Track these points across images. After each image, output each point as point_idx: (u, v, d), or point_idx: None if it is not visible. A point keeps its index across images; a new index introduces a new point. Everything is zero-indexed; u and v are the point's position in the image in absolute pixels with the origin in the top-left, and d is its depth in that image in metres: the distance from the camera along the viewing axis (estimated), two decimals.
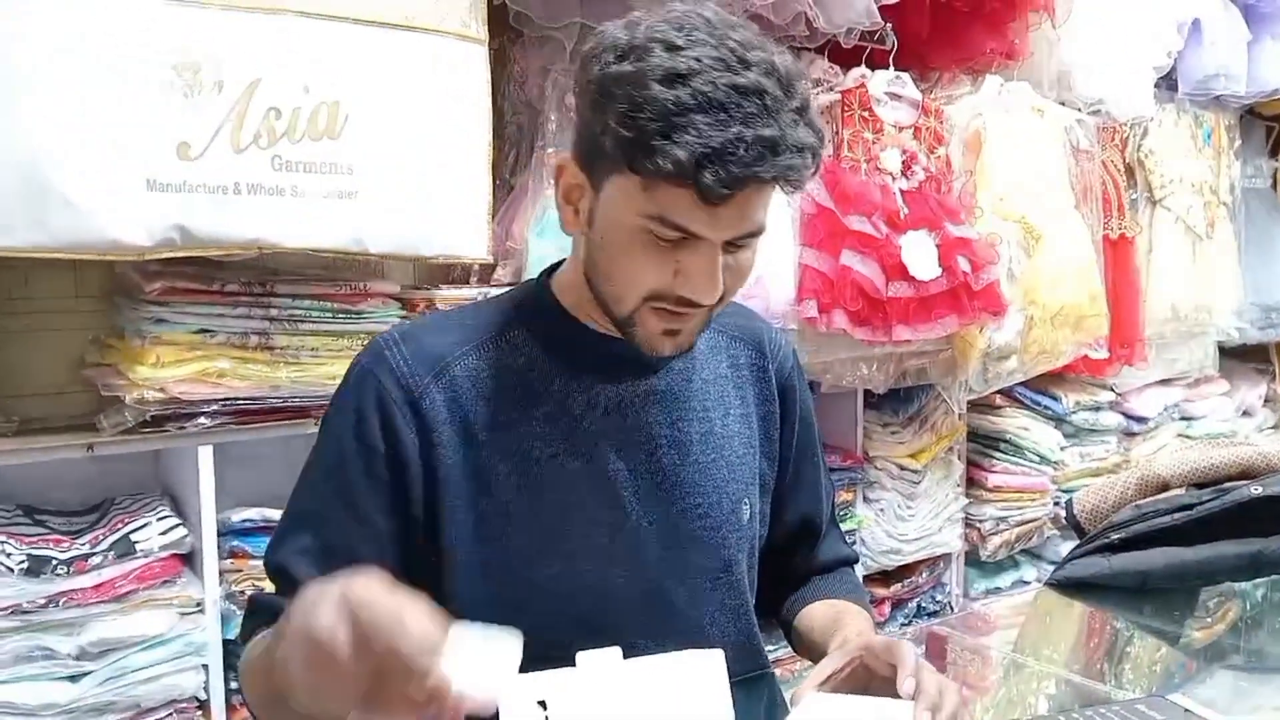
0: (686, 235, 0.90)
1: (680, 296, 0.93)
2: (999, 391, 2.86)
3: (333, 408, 1.03)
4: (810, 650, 1.14)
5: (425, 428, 0.99)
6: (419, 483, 0.99)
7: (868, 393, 2.60)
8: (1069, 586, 1.51)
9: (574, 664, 0.92)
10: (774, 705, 1.12)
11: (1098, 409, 3.12)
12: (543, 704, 0.88)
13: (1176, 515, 1.52)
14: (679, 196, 0.88)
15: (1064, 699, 1.16)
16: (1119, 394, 3.22)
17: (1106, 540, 1.55)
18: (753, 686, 1.13)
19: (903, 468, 2.74)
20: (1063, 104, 2.75)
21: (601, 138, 0.90)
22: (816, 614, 1.17)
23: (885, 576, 2.77)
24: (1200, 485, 1.62)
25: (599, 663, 0.91)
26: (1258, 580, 1.48)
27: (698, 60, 0.86)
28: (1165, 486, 1.66)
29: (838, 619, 1.12)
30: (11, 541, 1.58)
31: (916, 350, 2.44)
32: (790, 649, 1.24)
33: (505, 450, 1.01)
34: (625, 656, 0.91)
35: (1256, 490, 1.49)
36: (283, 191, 1.54)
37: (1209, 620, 1.41)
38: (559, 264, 1.09)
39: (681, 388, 1.09)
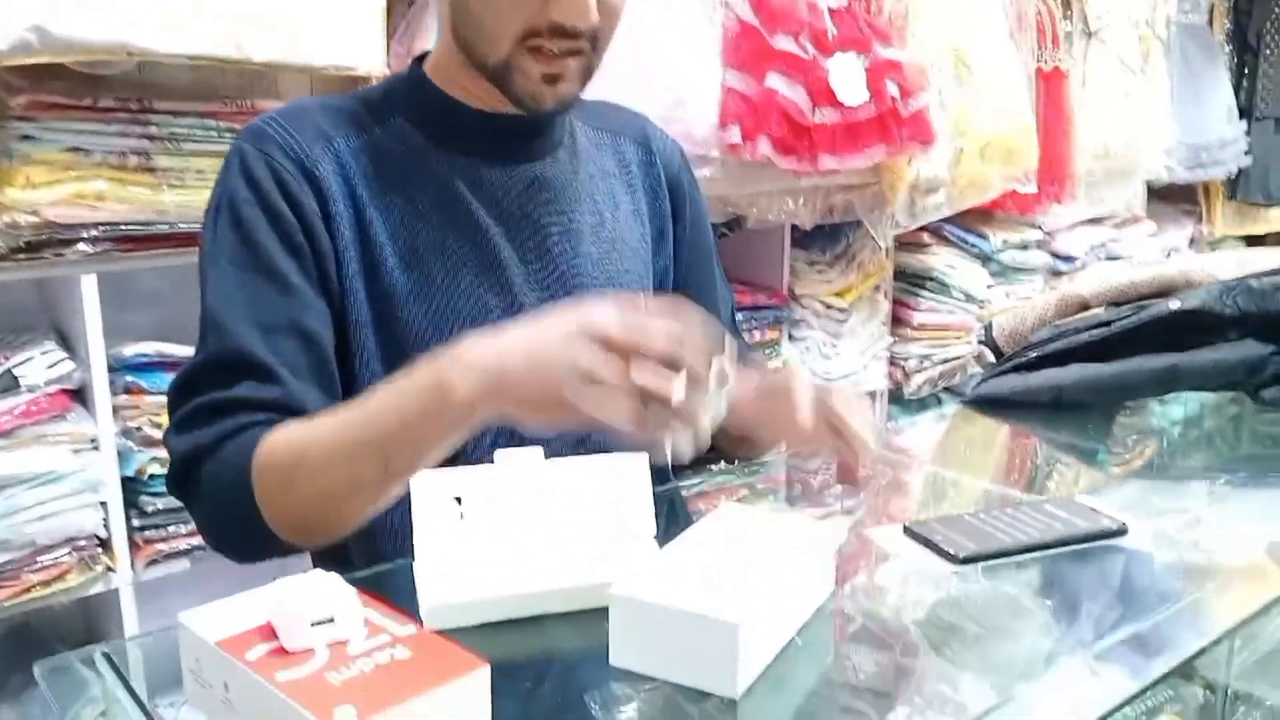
0: None
1: (554, 23, 0.88)
2: (926, 229, 2.83)
3: (221, 194, 0.95)
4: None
5: (322, 197, 0.93)
6: (327, 257, 0.93)
7: (795, 230, 2.55)
8: (985, 404, 1.50)
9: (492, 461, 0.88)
10: (683, 518, 1.10)
11: (1025, 247, 3.10)
12: (458, 499, 0.85)
13: (1094, 331, 1.51)
14: None
15: (974, 503, 1.15)
16: (1047, 233, 3.20)
17: (1024, 359, 1.54)
18: (667, 497, 1.10)
19: (829, 306, 2.72)
20: None
21: None
22: None
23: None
24: (1120, 304, 1.61)
25: (518, 461, 0.88)
26: (1173, 394, 1.49)
27: None
28: (1085, 306, 1.65)
29: None
30: None
31: (844, 183, 2.38)
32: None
33: (393, 233, 0.97)
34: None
35: (1174, 305, 1.48)
36: None
37: (1122, 432, 1.41)
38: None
39: (569, 178, 1.05)
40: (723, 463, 1.19)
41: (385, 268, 0.96)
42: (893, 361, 2.93)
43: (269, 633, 0.64)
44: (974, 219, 2.94)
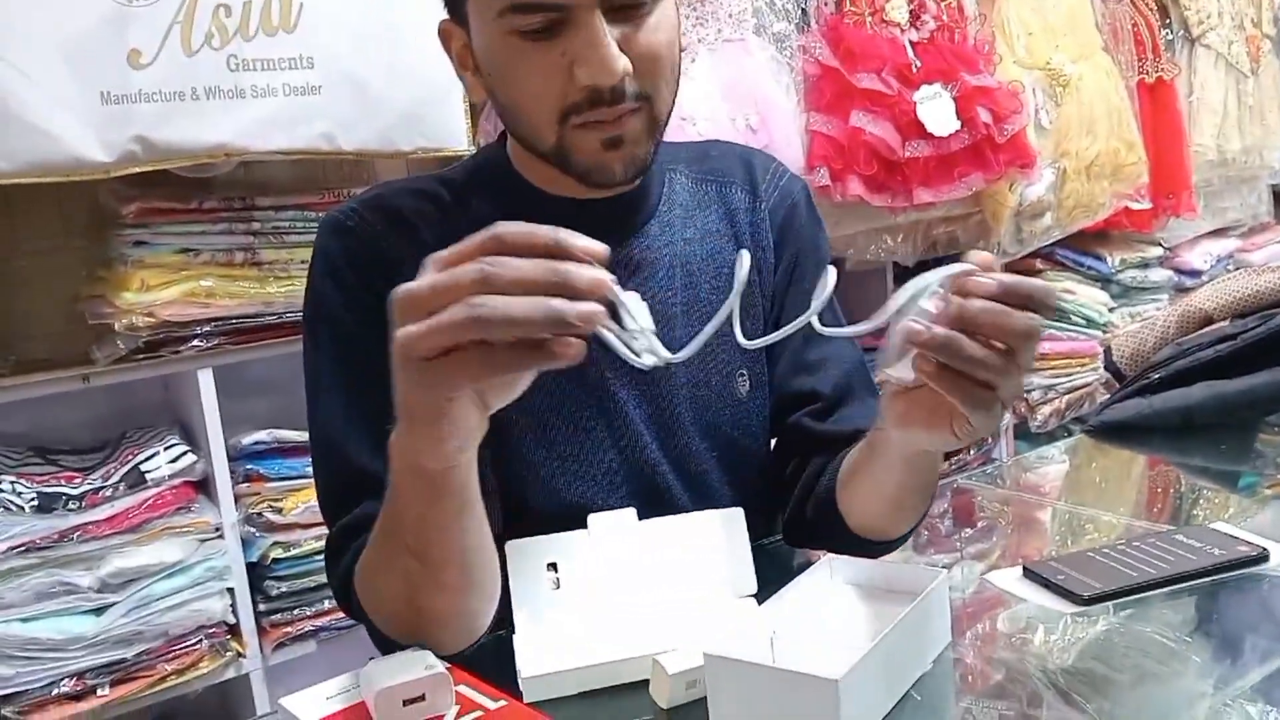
0: (547, 12, 0.80)
1: (586, 89, 0.82)
2: (1038, 255, 2.74)
3: (312, 301, 0.93)
4: (856, 478, 0.91)
5: (400, 276, 0.89)
6: None
7: (898, 267, 2.49)
8: (1111, 432, 1.43)
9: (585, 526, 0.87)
10: (789, 571, 1.06)
11: (1146, 265, 2.97)
12: (553, 566, 0.84)
13: (1219, 347, 1.43)
14: None
15: (1102, 538, 1.08)
16: (1168, 248, 3.06)
17: (1147, 380, 1.46)
18: (771, 550, 1.06)
19: None
20: None
21: None
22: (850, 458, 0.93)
23: (993, 475, 2.68)
24: (1244, 315, 1.52)
25: (611, 523, 0.86)
26: None
27: None
28: (1208, 320, 1.56)
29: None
30: (21, 481, 1.57)
31: (943, 215, 2.32)
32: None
33: None
34: None
35: None
36: (242, 92, 1.47)
37: (1258, 452, 1.31)
38: None
39: (660, 254, 0.98)
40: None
41: None
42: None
43: (364, 713, 0.64)
44: (1088, 240, 2.83)
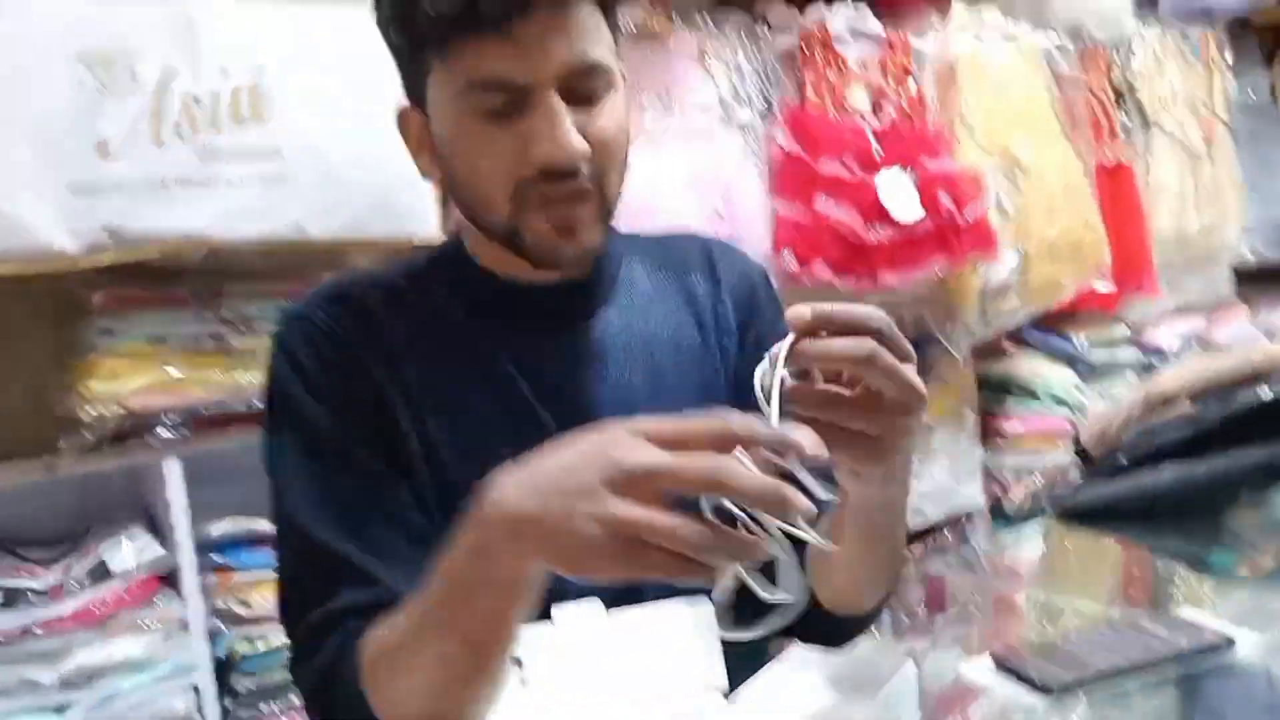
0: (508, 92, 0.83)
1: (542, 167, 0.83)
2: (1006, 336, 2.77)
3: (274, 393, 0.92)
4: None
5: (368, 379, 0.90)
6: (389, 433, 0.90)
7: None
8: (1077, 516, 1.43)
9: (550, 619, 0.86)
10: (761, 660, 1.04)
11: (1113, 345, 3.01)
12: (518, 661, 0.83)
13: (1183, 430, 1.44)
14: (476, 48, 0.82)
15: (1071, 623, 1.08)
16: (1134, 328, 3.11)
17: (1114, 463, 1.47)
18: (736, 645, 1.05)
19: None
20: (1041, 29, 2.66)
21: (401, 47, 0.87)
22: None
23: (908, 540, 2.68)
24: (1207, 397, 1.54)
25: (577, 616, 0.85)
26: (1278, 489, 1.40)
27: None
28: (1168, 401, 1.58)
29: None
30: None
31: (910, 298, 2.35)
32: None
33: (440, 409, 0.92)
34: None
35: (1267, 392, 1.41)
36: (211, 183, 1.49)
37: (1225, 536, 1.32)
38: None
39: (621, 337, 0.99)
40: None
41: (440, 446, 0.91)
42: (989, 475, 2.84)
43: None
44: (1055, 320, 2.87)
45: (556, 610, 0.86)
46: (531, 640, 0.85)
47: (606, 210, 0.89)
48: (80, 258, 1.43)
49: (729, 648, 0.89)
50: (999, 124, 2.44)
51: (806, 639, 0.98)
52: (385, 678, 0.79)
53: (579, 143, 0.83)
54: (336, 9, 1.55)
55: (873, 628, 1.00)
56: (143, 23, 1.44)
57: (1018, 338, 2.84)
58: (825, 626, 0.91)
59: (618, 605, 0.90)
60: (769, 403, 0.66)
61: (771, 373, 0.66)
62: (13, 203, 1.37)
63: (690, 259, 1.07)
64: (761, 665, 1.01)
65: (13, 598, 1.53)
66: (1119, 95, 2.94)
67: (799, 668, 0.83)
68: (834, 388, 0.69)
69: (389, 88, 0.90)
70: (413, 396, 0.92)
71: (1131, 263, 2.86)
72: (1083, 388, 2.93)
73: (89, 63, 1.39)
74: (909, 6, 2.46)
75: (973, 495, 2.74)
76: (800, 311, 0.68)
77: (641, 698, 0.84)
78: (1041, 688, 0.85)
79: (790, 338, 0.67)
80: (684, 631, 0.89)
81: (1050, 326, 2.86)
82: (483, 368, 0.94)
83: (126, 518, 1.72)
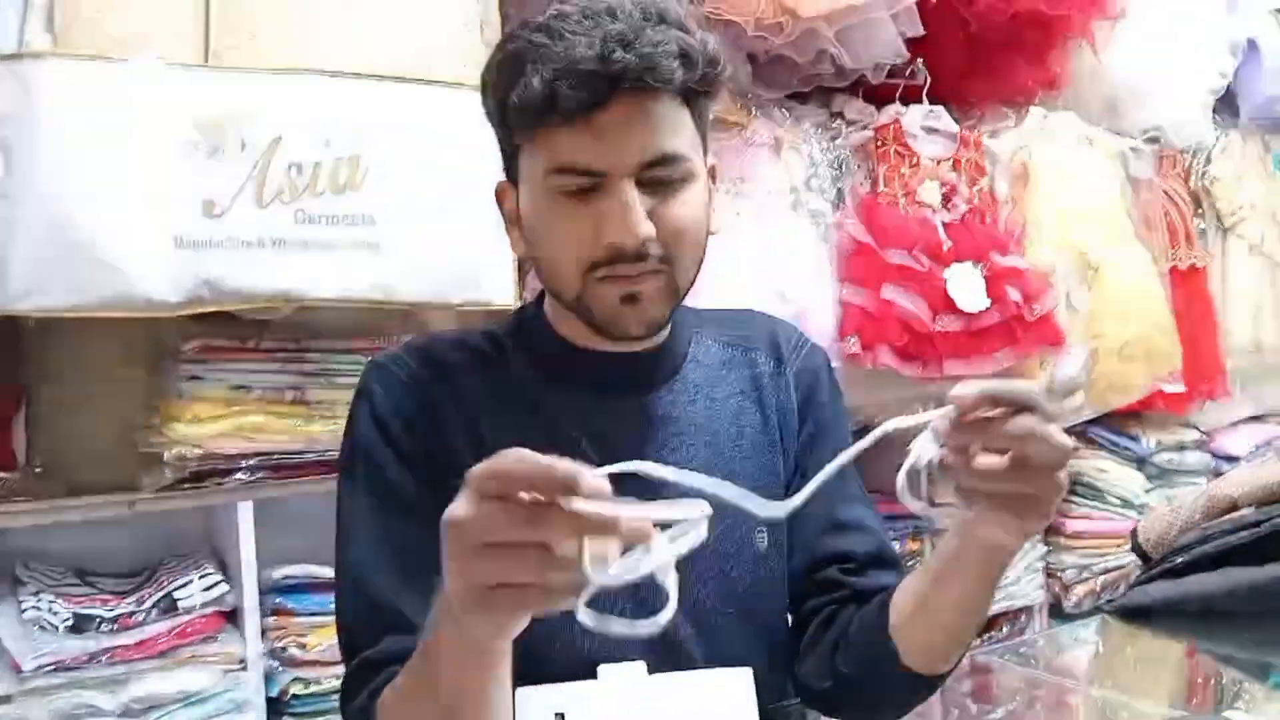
0: (586, 177, 0.89)
1: (610, 247, 0.89)
2: (1072, 432, 2.75)
3: (354, 439, 0.98)
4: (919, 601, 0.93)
5: (444, 435, 0.96)
6: (454, 471, 0.95)
7: None
8: (1131, 614, 1.42)
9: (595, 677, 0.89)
10: None
11: (1183, 448, 2.97)
12: (561, 716, 0.86)
13: (1242, 534, 1.43)
14: (559, 135, 0.88)
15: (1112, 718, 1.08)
16: (1205, 432, 3.06)
17: (1170, 564, 1.46)
18: (784, 711, 1.06)
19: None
20: (1118, 133, 2.69)
21: (500, 131, 0.94)
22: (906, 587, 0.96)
23: (1013, 648, 2.64)
24: (1270, 503, 1.52)
25: (621, 676, 0.88)
26: None
27: (556, 15, 0.88)
28: (1234, 506, 1.56)
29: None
30: (59, 601, 1.61)
31: None
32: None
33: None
34: None
35: None
36: (307, 245, 1.57)
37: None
38: None
39: (684, 409, 1.03)
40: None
41: None
42: (1050, 573, 2.80)
43: None
44: (1124, 421, 2.84)
45: (602, 669, 0.90)
46: (575, 694, 0.88)
47: (675, 289, 0.94)
48: (178, 307, 1.52)
49: (762, 713, 0.91)
50: (1072, 223, 2.46)
51: (867, 703, 1.01)
52: None
53: (647, 229, 0.89)
54: (433, 90, 1.65)
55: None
56: (254, 94, 1.54)
57: (1084, 435, 2.82)
58: (897, 686, 0.96)
59: (661, 670, 0.94)
60: (921, 477, 0.73)
61: (931, 445, 0.74)
62: (121, 255, 1.47)
63: (756, 337, 1.11)
64: None
65: (82, 624, 1.59)
66: (1196, 200, 2.95)
67: None
68: (991, 458, 0.74)
69: (476, 167, 0.97)
70: (483, 453, 0.97)
71: (1203, 366, 2.84)
72: (1151, 489, 2.89)
73: (202, 128, 1.50)
74: (986, 108, 2.51)
75: (1033, 590, 2.70)
76: (966, 391, 0.74)
77: None
78: None
79: (951, 412, 0.73)
80: (722, 698, 0.91)
81: (1119, 426, 2.84)
82: (551, 430, 0.98)
83: (197, 555, 1.79)
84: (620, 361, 1.00)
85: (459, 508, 0.62)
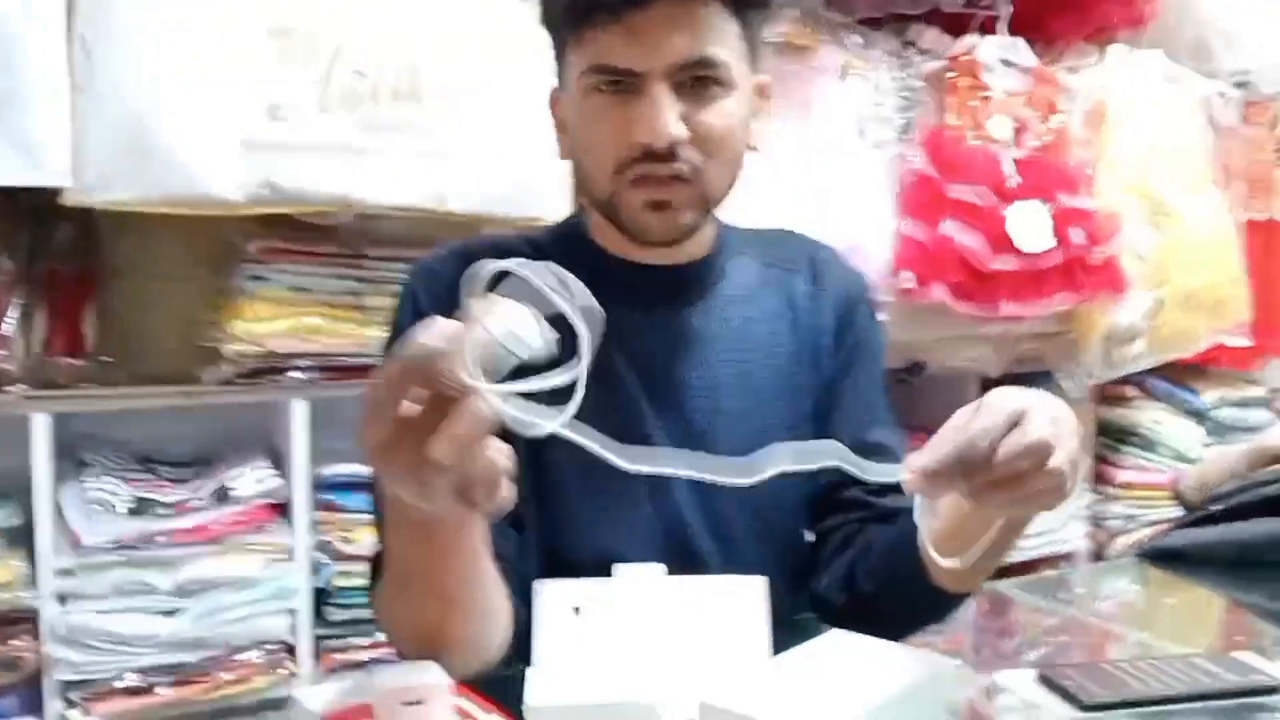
0: (624, 77, 0.90)
1: (641, 147, 0.91)
2: (1130, 382, 2.71)
3: (389, 332, 1.03)
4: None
5: None
6: None
7: (984, 380, 2.50)
8: (1164, 557, 1.42)
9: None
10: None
11: (1245, 405, 2.89)
12: (577, 610, 0.89)
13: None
14: (599, 35, 0.89)
15: (1123, 654, 1.08)
16: (1271, 390, 2.99)
17: (1207, 512, 1.45)
18: (796, 624, 1.09)
19: None
20: (1205, 76, 2.59)
21: (550, 34, 0.96)
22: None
23: (1002, 574, 2.64)
24: None
25: (637, 575, 0.91)
26: None
27: None
28: (1277, 459, 1.55)
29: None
30: (122, 484, 1.70)
31: (1032, 331, 2.33)
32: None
33: None
34: None
35: None
36: (367, 151, 1.61)
37: None
38: None
39: (718, 326, 1.05)
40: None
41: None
42: (1095, 522, 2.78)
43: (368, 710, 0.70)
44: (1184, 373, 2.79)
45: (618, 568, 0.92)
46: (593, 591, 0.91)
47: (704, 196, 0.96)
48: (241, 206, 1.56)
49: (785, 629, 0.94)
50: (1147, 166, 2.40)
51: (886, 618, 1.01)
52: (384, 616, 0.89)
53: (677, 130, 0.90)
54: (495, 3, 1.66)
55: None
56: (322, 3, 1.57)
57: (1142, 385, 2.77)
58: (924, 603, 1.00)
59: (676, 569, 0.97)
60: None
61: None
62: (189, 153, 1.51)
63: (796, 260, 1.12)
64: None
65: (144, 507, 1.67)
66: None
67: (840, 646, 0.87)
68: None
69: (534, 82, 0.99)
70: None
71: (1274, 322, 2.76)
72: (1209, 444, 2.83)
73: (272, 34, 1.53)
74: (1068, 43, 2.44)
75: (1076, 537, 2.68)
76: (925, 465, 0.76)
77: (688, 655, 0.89)
78: (1077, 702, 0.86)
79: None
80: (734, 602, 0.93)
81: (1178, 378, 2.78)
82: None
83: (253, 449, 1.86)
84: (657, 275, 1.02)
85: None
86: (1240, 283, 2.53)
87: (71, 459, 1.76)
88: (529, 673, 0.86)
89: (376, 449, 0.63)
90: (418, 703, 0.68)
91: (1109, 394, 2.73)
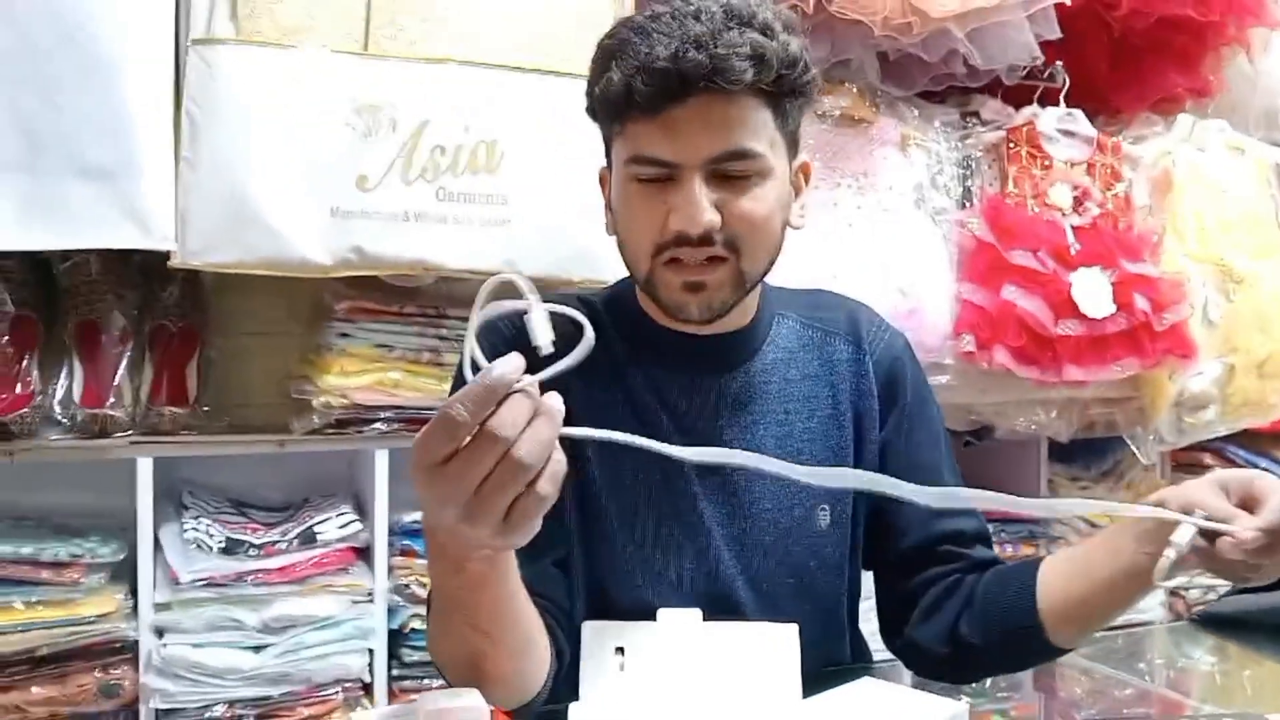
0: (660, 167, 0.97)
1: (675, 233, 0.97)
2: (1206, 449, 2.68)
3: (452, 384, 1.12)
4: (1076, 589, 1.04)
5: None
6: None
7: (1054, 444, 2.50)
8: (1214, 623, 1.43)
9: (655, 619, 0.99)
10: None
11: None
12: (620, 650, 0.95)
13: None
14: (639, 127, 0.96)
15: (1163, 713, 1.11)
16: None
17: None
18: (827, 675, 1.14)
19: (1093, 525, 2.60)
20: (1276, 144, 2.59)
21: (597, 121, 1.03)
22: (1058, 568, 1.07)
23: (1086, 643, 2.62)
24: None
25: (678, 620, 0.96)
26: None
27: (650, 15, 0.95)
28: None
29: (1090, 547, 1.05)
30: (216, 525, 1.82)
31: (1102, 396, 2.34)
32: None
33: (590, 425, 1.08)
34: None
35: None
36: (445, 219, 1.73)
37: None
38: None
39: (758, 389, 1.11)
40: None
41: (588, 463, 1.06)
42: (1173, 591, 2.73)
43: None
44: (1263, 441, 2.74)
45: (662, 613, 0.99)
46: (635, 633, 0.98)
47: (743, 278, 1.02)
48: (329, 269, 1.69)
49: (806, 671, 0.99)
50: (1215, 233, 2.40)
51: (987, 667, 1.13)
52: (433, 651, 0.96)
53: (710, 218, 0.96)
54: (565, 81, 1.78)
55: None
56: (406, 81, 1.71)
57: (1220, 453, 2.73)
58: (1036, 656, 1.10)
59: (715, 619, 1.03)
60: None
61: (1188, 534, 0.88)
62: (282, 220, 1.66)
63: (836, 320, 1.17)
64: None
65: (233, 547, 1.79)
66: None
67: (867, 693, 0.92)
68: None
69: (598, 153, 1.08)
70: (569, 412, 1.08)
71: None
72: None
73: (359, 110, 1.66)
74: (1133, 114, 2.47)
75: (1152, 606, 2.64)
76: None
77: (724, 697, 0.94)
78: None
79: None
80: (767, 648, 0.99)
81: (1257, 447, 2.74)
82: (633, 399, 1.08)
83: (338, 495, 1.98)
84: (701, 342, 1.08)
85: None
86: None
87: (172, 501, 1.89)
88: (572, 708, 0.93)
89: (434, 469, 0.69)
90: None
91: (1185, 461, 2.70)
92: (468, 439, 0.68)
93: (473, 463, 0.68)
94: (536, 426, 0.69)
